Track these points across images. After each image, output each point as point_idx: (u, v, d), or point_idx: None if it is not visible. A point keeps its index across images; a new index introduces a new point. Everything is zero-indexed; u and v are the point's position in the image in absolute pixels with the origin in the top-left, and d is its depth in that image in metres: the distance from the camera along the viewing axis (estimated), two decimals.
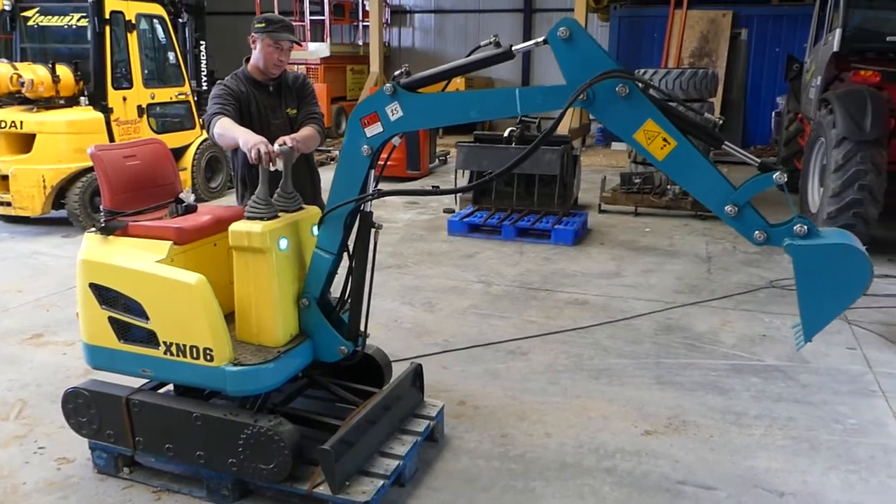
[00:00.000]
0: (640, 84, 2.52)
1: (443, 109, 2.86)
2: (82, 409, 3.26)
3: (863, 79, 7.19)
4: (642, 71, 9.13)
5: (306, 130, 3.69)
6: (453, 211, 8.65)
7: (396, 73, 2.88)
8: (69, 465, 3.40)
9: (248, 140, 3.22)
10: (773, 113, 12.31)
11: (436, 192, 3.03)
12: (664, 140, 2.51)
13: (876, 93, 6.72)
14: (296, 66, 15.09)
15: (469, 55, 2.83)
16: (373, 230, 3.09)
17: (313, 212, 3.33)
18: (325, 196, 4.27)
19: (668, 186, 8.72)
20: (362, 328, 3.28)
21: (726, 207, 2.51)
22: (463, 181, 8.66)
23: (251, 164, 3.25)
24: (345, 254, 3.19)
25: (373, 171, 3.00)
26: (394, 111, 2.82)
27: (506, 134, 8.19)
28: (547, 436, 3.70)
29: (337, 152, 13.54)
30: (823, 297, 2.48)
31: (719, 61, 13.89)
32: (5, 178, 7.63)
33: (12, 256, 7.00)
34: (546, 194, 8.13)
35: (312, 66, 15.85)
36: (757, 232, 2.53)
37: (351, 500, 2.87)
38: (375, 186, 3.06)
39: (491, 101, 2.77)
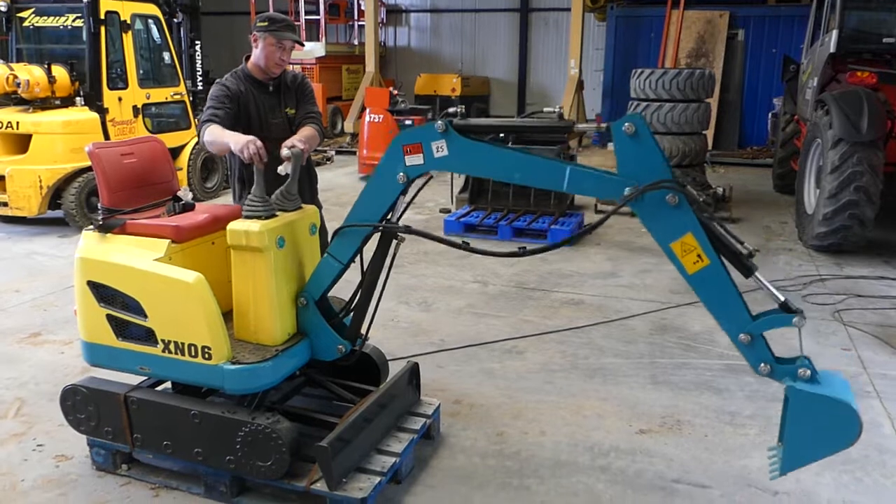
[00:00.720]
0: (688, 197, 2.53)
1: (487, 162, 2.81)
2: (81, 406, 3.27)
3: (859, 80, 7.23)
4: (639, 71, 9.13)
5: (307, 130, 3.69)
6: (449, 211, 8.66)
7: (450, 109, 2.88)
8: (67, 463, 3.41)
9: (238, 141, 3.23)
10: (770, 114, 12.35)
11: (467, 248, 3.06)
12: (699, 256, 2.54)
13: (872, 94, 6.74)
14: (291, 66, 15.07)
15: (524, 116, 2.83)
16: (394, 241, 3.10)
17: (311, 211, 3.34)
18: (321, 196, 4.31)
19: None
20: (363, 330, 3.29)
21: (741, 335, 2.57)
22: (459, 183, 8.68)
23: (248, 164, 3.25)
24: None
25: (401, 196, 2.98)
26: (439, 149, 2.79)
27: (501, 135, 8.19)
28: (542, 434, 3.72)
29: (333, 152, 13.59)
30: (809, 442, 2.56)
31: (716, 62, 13.92)
32: (2, 178, 7.62)
33: (9, 257, 7.00)
34: (542, 194, 8.13)
35: (308, 66, 15.86)
36: (762, 364, 2.60)
37: (348, 496, 2.89)
38: (410, 201, 3.07)
39: (537, 170, 2.73)
